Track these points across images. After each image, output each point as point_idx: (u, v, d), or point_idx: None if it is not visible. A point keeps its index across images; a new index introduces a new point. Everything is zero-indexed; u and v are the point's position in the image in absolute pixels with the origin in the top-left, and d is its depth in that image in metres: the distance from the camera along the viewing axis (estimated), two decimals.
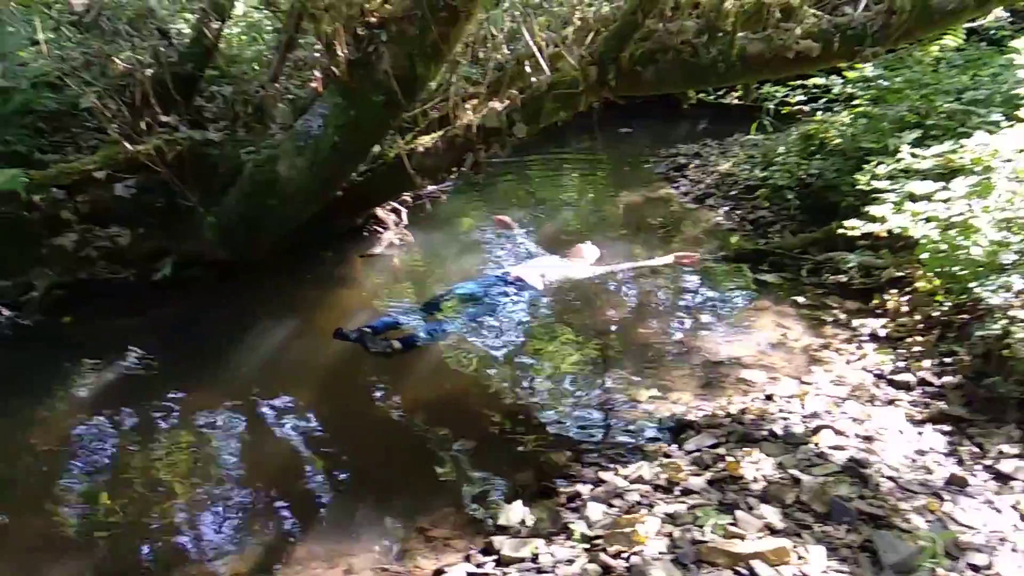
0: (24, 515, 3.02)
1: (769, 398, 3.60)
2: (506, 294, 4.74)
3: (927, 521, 2.57)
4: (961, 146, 4.29)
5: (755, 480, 2.82)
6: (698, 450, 3.14)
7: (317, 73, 4.69)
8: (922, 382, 3.65)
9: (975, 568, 2.35)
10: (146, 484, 3.20)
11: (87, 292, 4.69)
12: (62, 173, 4.69)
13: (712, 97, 7.12)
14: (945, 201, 3.93)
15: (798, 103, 6.86)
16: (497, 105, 4.84)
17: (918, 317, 4.15)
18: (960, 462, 3.02)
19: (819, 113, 6.76)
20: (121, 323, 4.58)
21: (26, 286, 4.54)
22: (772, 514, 2.57)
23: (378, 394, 4.04)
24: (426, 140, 5.17)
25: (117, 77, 5.06)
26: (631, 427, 3.57)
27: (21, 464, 3.35)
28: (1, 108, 4.86)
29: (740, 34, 4.26)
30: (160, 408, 3.77)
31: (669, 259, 5.29)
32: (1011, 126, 4.29)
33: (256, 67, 6.10)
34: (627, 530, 2.50)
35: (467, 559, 2.67)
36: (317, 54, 4.78)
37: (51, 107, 5.16)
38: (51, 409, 3.73)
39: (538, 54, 4.46)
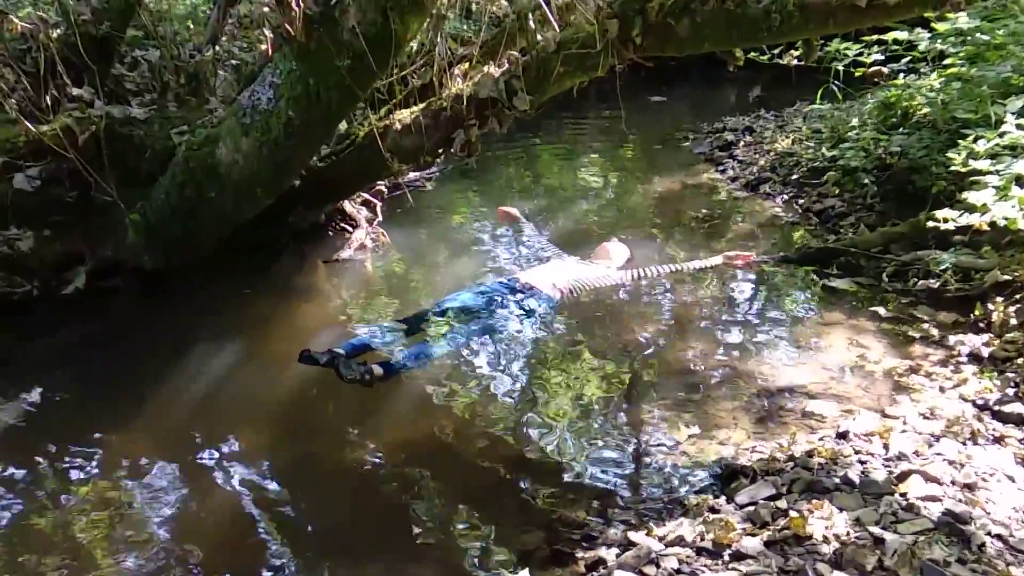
0: None
1: (842, 436, 3.58)
2: (512, 306, 4.74)
3: None
4: None
5: (825, 541, 2.79)
6: (753, 503, 3.11)
7: (267, 33, 4.68)
8: None
9: None
10: (54, 551, 3.17)
11: None
12: None
13: (766, 57, 7.10)
14: None
15: (874, 64, 6.85)
16: (494, 70, 4.83)
17: None
18: None
19: (901, 76, 6.76)
20: (23, 348, 4.58)
21: None
22: None
23: (347, 436, 4.01)
24: (405, 115, 5.17)
25: (15, 40, 5.06)
26: (668, 475, 3.55)
27: None
28: None
29: None
30: (72, 455, 3.76)
31: (717, 260, 5.30)
32: None
33: (190, 26, 6.12)
34: None
35: None
36: (267, 8, 4.77)
37: None
38: None
39: (544, 5, 4.46)
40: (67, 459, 3.73)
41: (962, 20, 5.87)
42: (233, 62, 5.62)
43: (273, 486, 3.65)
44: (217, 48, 5.58)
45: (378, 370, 4.02)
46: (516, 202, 6.71)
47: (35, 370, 4.36)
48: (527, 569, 2.94)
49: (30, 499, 3.51)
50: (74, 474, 3.65)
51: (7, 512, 3.43)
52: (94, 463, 3.72)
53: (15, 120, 4.70)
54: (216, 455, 3.81)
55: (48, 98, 4.80)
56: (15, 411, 4.09)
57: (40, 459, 3.75)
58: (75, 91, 4.90)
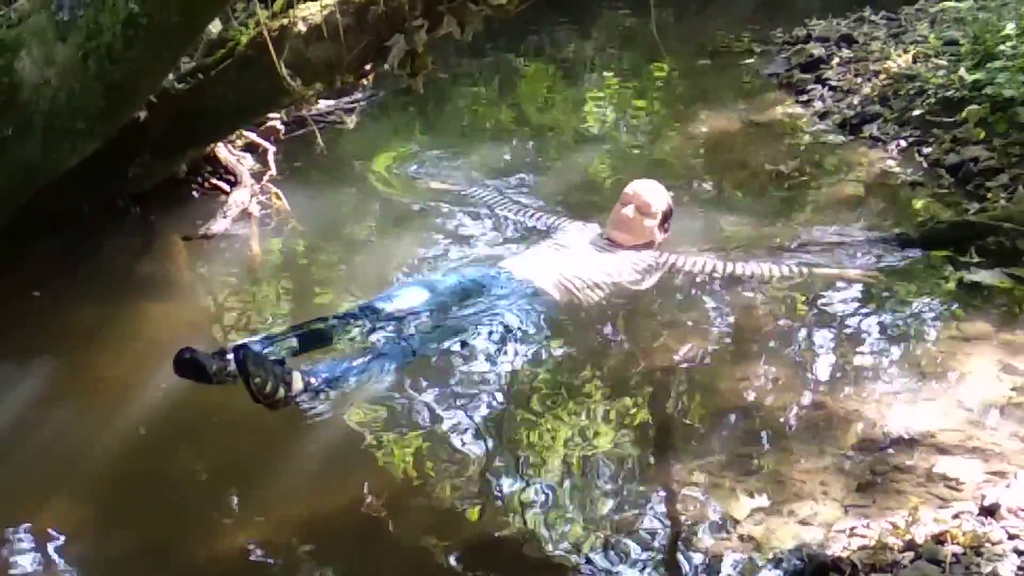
0: None
1: (989, 512, 3.59)
2: (495, 307, 4.78)
3: None
4: None
5: None
6: None
7: None
8: None
9: None
10: None
11: None
12: None
13: None
14: None
15: None
16: None
17: None
18: None
19: None
20: None
21: None
22: None
23: (216, 508, 3.98)
24: (313, 10, 5.16)
25: None
26: (720, 571, 3.56)
27: None
28: None
29: None
30: None
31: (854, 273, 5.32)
32: None
33: None
34: None
35: None
36: None
37: None
38: None
39: None
40: None
41: None
42: None
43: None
44: None
45: (298, 384, 4.02)
46: (485, 150, 6.69)
47: None
48: None
49: None
50: None
51: None
52: None
53: None
54: (39, 547, 3.77)
55: None
56: None
57: None
58: None
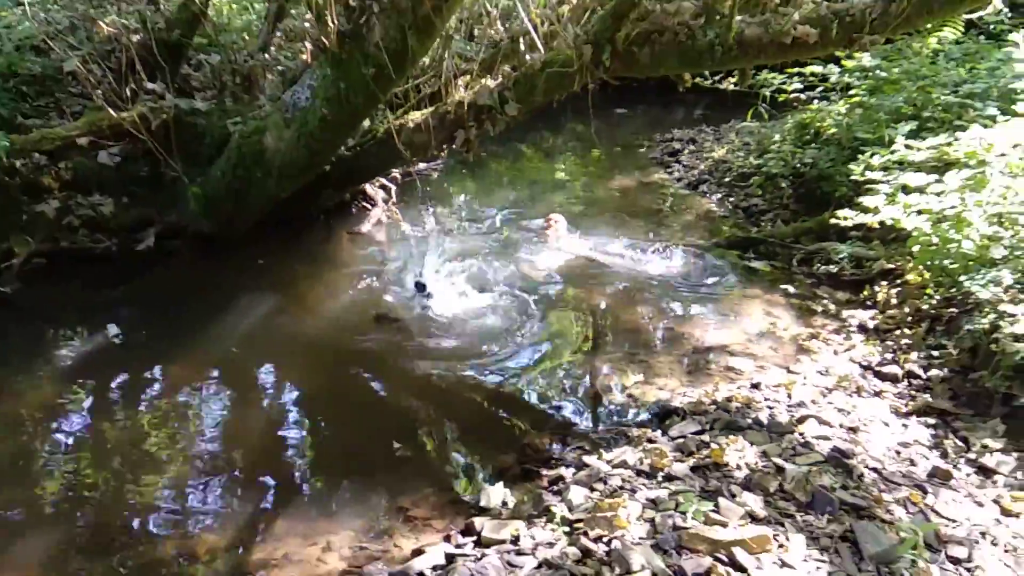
0: (2, 486, 2.98)
1: (756, 387, 3.60)
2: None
3: (909, 513, 2.59)
4: (956, 139, 4.30)
5: (738, 468, 2.82)
6: (682, 436, 3.14)
7: (307, 44, 4.61)
8: (909, 375, 3.66)
9: (955, 561, 2.36)
10: (125, 457, 3.17)
11: (68, 261, 4.64)
12: (45, 138, 4.63)
13: (709, 82, 7.07)
14: (938, 194, 3.95)
15: (795, 91, 6.83)
16: (490, 82, 4.78)
17: (907, 310, 4.16)
18: (944, 455, 3.04)
19: (815, 102, 6.75)
20: (102, 294, 4.54)
21: (5, 253, 4.47)
22: (754, 502, 2.58)
23: (361, 372, 4.01)
24: (416, 116, 5.10)
25: (102, 42, 4.98)
26: (616, 412, 3.57)
27: None
28: None
29: (738, 17, 4.22)
30: (140, 380, 3.74)
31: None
32: (1007, 120, 4.29)
33: (245, 37, 6.02)
34: (608, 514, 2.50)
35: (447, 539, 2.66)
36: (307, 24, 4.70)
37: (35, 71, 5.08)
38: (29, 379, 3.68)
39: (533, 32, 4.41)
40: (136, 383, 3.72)
41: (866, 59, 5.86)
42: (279, 67, 5.53)
43: (301, 409, 3.65)
44: (266, 55, 5.50)
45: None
46: (502, 191, 6.66)
47: (112, 311, 4.32)
48: (502, 482, 2.96)
49: (107, 412, 3.51)
50: (141, 395, 3.64)
51: (91, 422, 3.43)
52: (157, 386, 3.72)
53: (101, 107, 4.64)
54: (256, 384, 3.80)
55: (128, 90, 4.72)
56: (96, 343, 4.07)
57: (114, 382, 3.73)
58: (150, 85, 4.83)
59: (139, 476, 3.05)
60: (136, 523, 2.82)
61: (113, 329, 4.13)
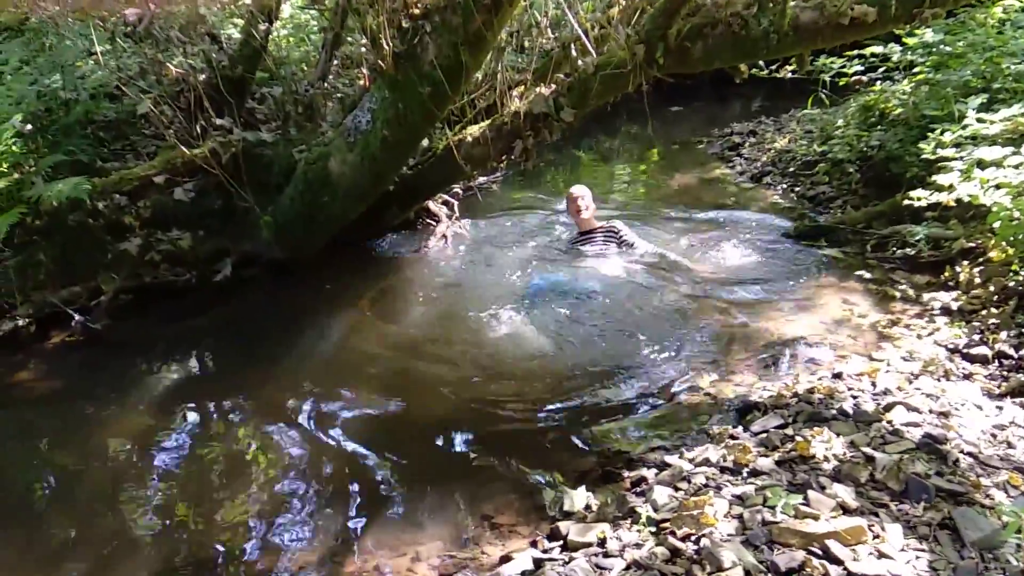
0: (95, 514, 3.10)
1: (837, 376, 3.51)
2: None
3: (1010, 496, 2.48)
4: None
5: (826, 459, 2.75)
6: (765, 431, 3.07)
7: (364, 69, 4.73)
8: (999, 355, 3.52)
9: None
10: (215, 481, 3.27)
11: (152, 295, 4.84)
12: (123, 179, 4.85)
13: (765, 72, 6.94)
14: (1016, 167, 3.80)
15: (855, 74, 6.66)
16: (544, 90, 4.80)
17: (992, 288, 4.00)
18: None
19: (878, 83, 6.57)
20: (186, 324, 4.71)
21: (94, 291, 4.69)
22: (846, 493, 2.51)
23: (438, 385, 4.03)
24: (474, 130, 5.16)
25: (171, 83, 5.20)
26: (695, 411, 3.50)
27: (91, 465, 3.44)
28: (63, 119, 5.04)
29: (791, 3, 4.15)
30: (226, 407, 3.86)
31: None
32: None
33: (304, 67, 6.19)
34: (695, 512, 2.48)
35: (533, 545, 2.67)
36: (363, 50, 4.82)
37: (110, 116, 5.34)
38: (121, 411, 3.83)
39: (584, 36, 4.42)
40: (221, 410, 3.84)
41: (928, 34, 5.69)
42: (339, 94, 5.67)
43: (381, 426, 3.68)
44: (325, 83, 5.65)
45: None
46: (558, 198, 6.67)
47: (195, 341, 4.48)
48: (583, 486, 2.95)
49: (194, 440, 3.61)
50: (225, 422, 3.76)
51: (179, 449, 3.54)
52: (240, 413, 3.82)
53: (173, 146, 4.84)
54: (336, 404, 3.83)
55: (198, 128, 4.91)
56: (181, 373, 4.23)
57: (199, 410, 3.86)
58: (218, 121, 5.01)
59: (230, 499, 3.14)
60: (230, 545, 2.90)
61: (197, 359, 4.28)
